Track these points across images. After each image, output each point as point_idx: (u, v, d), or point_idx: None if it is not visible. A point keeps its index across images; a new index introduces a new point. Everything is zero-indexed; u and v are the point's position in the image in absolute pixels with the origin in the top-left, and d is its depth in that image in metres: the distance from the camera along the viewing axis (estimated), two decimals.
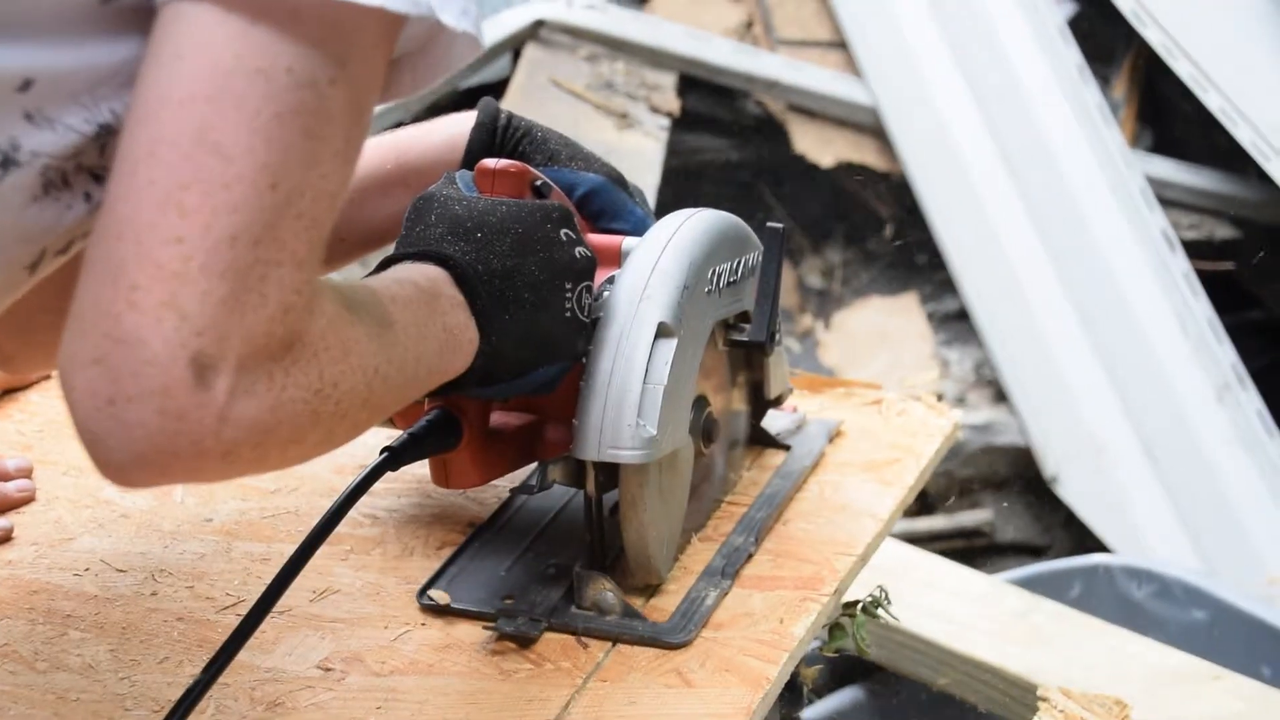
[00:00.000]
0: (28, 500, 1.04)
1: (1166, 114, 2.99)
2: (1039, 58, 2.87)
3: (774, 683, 0.86)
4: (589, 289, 0.88)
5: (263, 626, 0.90)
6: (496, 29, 2.86)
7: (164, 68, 0.62)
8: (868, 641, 1.02)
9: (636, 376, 0.88)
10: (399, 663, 0.88)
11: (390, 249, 0.88)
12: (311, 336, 0.66)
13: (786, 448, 1.08)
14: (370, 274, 0.83)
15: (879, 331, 2.73)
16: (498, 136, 0.97)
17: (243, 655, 0.88)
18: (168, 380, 0.61)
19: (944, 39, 2.93)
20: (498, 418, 0.93)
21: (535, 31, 2.91)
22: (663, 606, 0.93)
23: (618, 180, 0.98)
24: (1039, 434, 2.48)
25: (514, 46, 2.94)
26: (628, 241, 0.95)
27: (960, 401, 2.55)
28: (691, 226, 0.93)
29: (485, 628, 0.90)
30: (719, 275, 0.94)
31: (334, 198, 0.66)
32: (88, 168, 0.67)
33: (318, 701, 0.85)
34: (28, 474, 1.06)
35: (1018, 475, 2.49)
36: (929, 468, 1.09)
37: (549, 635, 0.89)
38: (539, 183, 0.91)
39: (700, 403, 0.96)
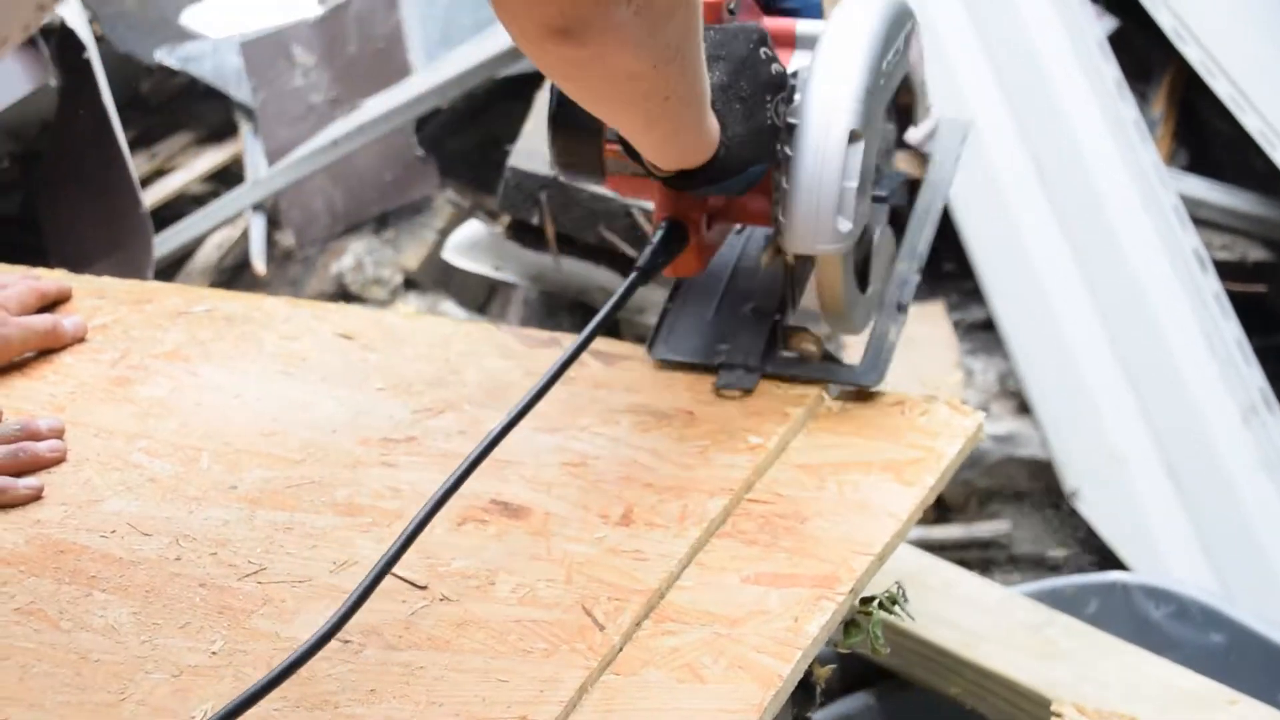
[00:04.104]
0: (58, 460, 1.06)
1: (1203, 133, 2.98)
2: (1077, 72, 2.86)
3: (786, 681, 0.86)
4: (785, 99, 1.03)
5: (283, 596, 0.92)
6: None
7: None
8: (882, 640, 1.02)
9: (833, 180, 1.01)
10: (416, 638, 0.88)
11: None
12: None
13: (927, 156, 1.21)
14: None
15: (904, 337, 2.72)
16: None
17: (262, 623, 0.90)
18: None
19: (981, 49, 2.92)
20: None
21: None
22: (854, 344, 1.10)
23: None
24: (1061, 448, 2.47)
25: None
26: (801, 25, 1.08)
27: (983, 411, 2.54)
28: (865, 19, 1.05)
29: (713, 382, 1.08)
30: (888, 63, 1.06)
31: None
32: None
33: (334, 673, 0.86)
34: (59, 435, 1.08)
35: (1038, 488, 2.48)
36: (951, 468, 1.09)
37: (565, 617, 0.90)
38: (732, 5, 1.04)
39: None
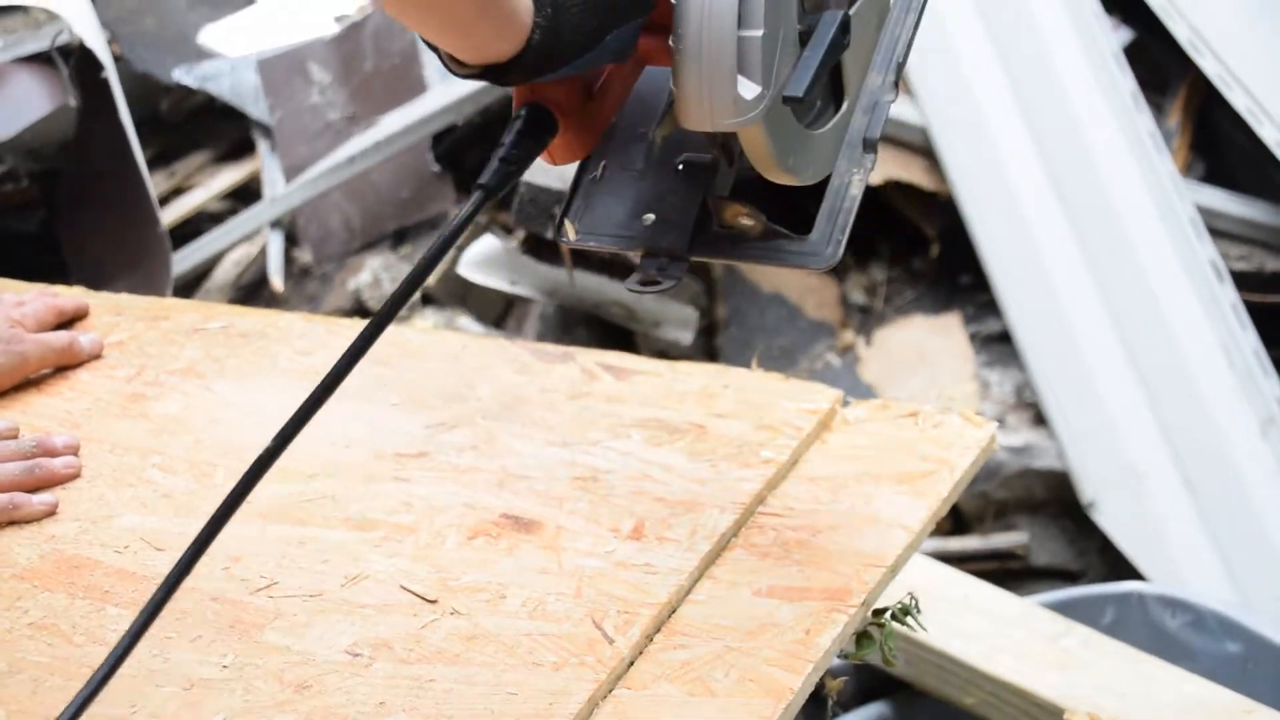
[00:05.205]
0: (73, 476, 1.07)
1: (1220, 144, 2.97)
2: (1093, 83, 2.85)
3: (797, 694, 0.87)
4: None
5: (294, 610, 0.92)
6: None
7: None
8: (894, 651, 1.02)
9: (727, 30, 0.76)
10: (426, 651, 0.89)
11: None
12: None
13: None
14: None
15: (920, 350, 2.72)
16: None
17: (274, 637, 0.90)
18: None
19: (998, 61, 2.92)
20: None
21: None
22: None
23: None
24: (1078, 459, 2.46)
25: None
26: None
27: (1000, 423, 2.54)
28: None
29: (630, 278, 0.84)
30: None
31: None
32: None
33: (344, 687, 0.86)
34: (74, 451, 1.09)
35: (1055, 499, 2.47)
36: (964, 480, 1.09)
37: (575, 630, 0.90)
38: None
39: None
